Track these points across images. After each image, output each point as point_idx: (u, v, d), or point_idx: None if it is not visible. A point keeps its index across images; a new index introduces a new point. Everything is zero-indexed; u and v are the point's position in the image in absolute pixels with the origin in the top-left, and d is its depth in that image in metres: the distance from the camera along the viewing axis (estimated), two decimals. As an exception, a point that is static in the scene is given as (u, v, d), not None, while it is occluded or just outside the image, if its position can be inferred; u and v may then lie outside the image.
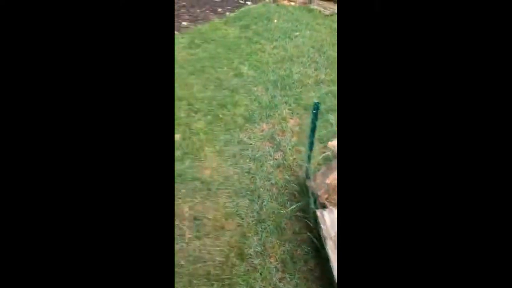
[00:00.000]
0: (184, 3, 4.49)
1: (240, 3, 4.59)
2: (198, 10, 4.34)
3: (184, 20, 4.11)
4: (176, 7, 4.39)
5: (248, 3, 4.60)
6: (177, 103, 2.69)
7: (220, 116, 2.58)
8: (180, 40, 3.63)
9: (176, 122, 2.50)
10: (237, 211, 1.86)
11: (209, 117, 2.57)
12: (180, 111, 2.61)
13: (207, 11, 4.34)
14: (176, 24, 4.03)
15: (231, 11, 4.36)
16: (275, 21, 4.08)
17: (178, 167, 2.13)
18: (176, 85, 2.93)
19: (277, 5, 4.62)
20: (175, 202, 1.91)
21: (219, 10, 4.38)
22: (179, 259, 1.65)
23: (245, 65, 3.23)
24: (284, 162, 2.18)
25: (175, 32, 3.85)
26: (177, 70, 3.12)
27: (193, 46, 3.54)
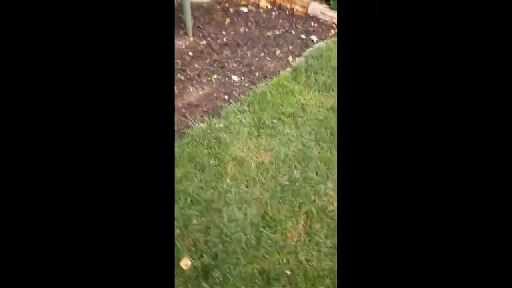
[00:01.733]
0: (225, 40, 3.19)
1: (302, 38, 3.32)
2: (249, 53, 3.05)
3: (233, 72, 2.83)
4: (215, 45, 3.09)
5: (313, 38, 3.33)
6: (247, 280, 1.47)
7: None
8: (239, 118, 2.34)
9: None
10: None
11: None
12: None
13: (262, 54, 3.06)
14: (221, 78, 2.75)
15: (295, 54, 3.09)
16: (366, 75, 2.83)
17: None
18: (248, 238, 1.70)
19: (352, 40, 3.35)
20: None
21: (278, 53, 3.10)
22: None
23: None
24: None
25: (228, 98, 2.59)
26: (258, 195, 1.86)
27: (263, 132, 2.27)
